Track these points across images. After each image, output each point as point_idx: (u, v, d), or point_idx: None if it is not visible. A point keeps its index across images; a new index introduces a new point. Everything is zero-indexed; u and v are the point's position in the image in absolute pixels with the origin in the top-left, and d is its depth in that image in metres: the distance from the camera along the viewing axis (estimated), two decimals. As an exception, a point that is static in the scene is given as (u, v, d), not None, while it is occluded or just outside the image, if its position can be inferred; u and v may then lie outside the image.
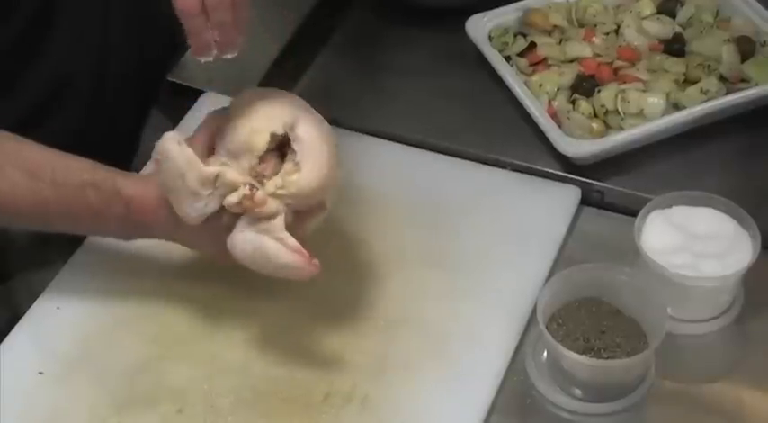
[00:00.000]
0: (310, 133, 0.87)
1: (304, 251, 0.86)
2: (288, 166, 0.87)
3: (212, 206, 0.87)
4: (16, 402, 0.91)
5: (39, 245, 1.04)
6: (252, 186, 0.86)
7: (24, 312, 0.98)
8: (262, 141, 0.86)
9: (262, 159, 0.87)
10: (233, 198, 0.86)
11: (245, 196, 0.86)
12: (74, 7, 1.02)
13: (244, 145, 0.87)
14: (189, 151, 0.86)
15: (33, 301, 0.98)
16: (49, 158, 0.89)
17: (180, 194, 0.87)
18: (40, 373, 0.93)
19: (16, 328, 0.97)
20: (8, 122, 0.92)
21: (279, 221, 0.86)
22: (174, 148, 0.85)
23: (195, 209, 0.87)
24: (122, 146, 0.89)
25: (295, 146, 0.87)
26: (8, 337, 0.96)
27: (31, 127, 0.93)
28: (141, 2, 1.11)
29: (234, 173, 0.86)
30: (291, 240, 0.86)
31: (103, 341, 0.95)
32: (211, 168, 0.86)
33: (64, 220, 0.91)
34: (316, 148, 0.87)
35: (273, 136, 0.87)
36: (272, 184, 0.86)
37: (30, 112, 0.95)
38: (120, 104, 1.12)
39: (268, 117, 0.87)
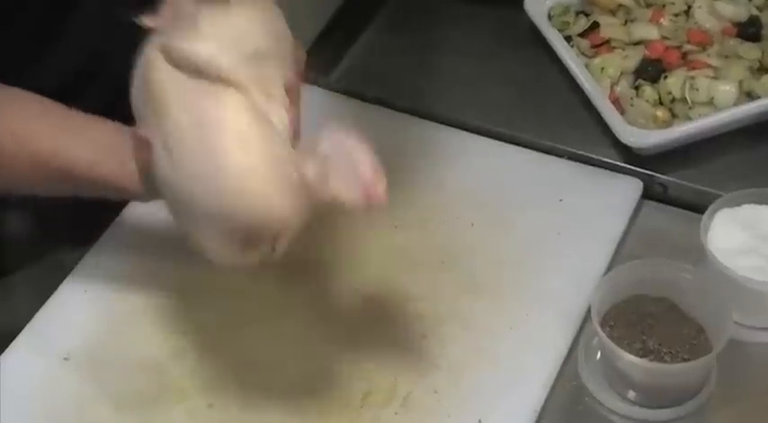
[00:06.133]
0: None
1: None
2: None
3: None
4: (41, 389, 0.90)
5: (36, 237, 1.03)
6: None
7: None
8: None
9: None
10: None
11: None
12: None
13: None
14: None
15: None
16: (58, 147, 0.87)
17: None
18: (66, 358, 0.92)
19: (41, 311, 0.95)
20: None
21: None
22: None
23: None
24: None
25: None
26: (33, 321, 0.95)
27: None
28: None
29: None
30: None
31: (132, 329, 0.93)
32: None
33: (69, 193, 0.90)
34: None
35: None
36: None
37: (56, 89, 0.95)
38: None
39: None
